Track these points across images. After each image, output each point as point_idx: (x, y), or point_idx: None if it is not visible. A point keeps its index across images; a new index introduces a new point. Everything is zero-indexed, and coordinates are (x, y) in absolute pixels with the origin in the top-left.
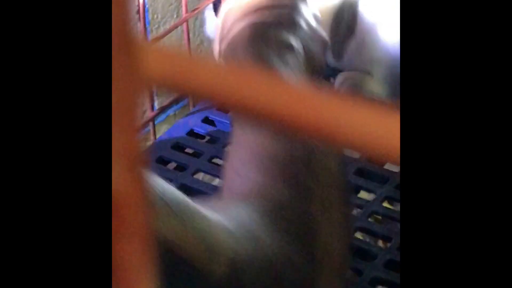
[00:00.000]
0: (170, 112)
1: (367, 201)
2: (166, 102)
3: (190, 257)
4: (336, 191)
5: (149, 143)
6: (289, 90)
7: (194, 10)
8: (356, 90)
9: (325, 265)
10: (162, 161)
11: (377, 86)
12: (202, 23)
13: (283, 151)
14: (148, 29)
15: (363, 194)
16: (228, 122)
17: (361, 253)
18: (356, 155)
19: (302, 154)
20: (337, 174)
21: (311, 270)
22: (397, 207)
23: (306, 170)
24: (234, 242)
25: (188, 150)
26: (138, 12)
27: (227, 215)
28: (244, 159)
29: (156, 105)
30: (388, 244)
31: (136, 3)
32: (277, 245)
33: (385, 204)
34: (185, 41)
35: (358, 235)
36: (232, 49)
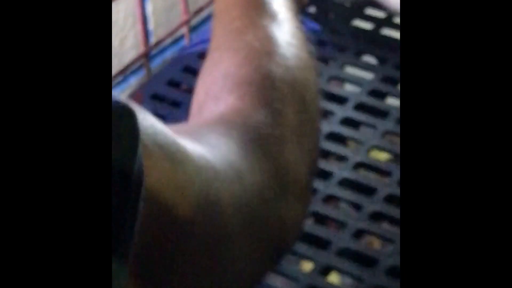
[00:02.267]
0: (167, 54)
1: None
2: (162, 37)
3: (177, 205)
4: (309, 118)
5: (144, 79)
6: None
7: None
8: None
9: (293, 198)
10: (157, 98)
11: None
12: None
13: (258, 73)
14: (152, 33)
15: (363, 129)
16: None
17: (361, 188)
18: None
19: (278, 77)
20: (314, 98)
21: (280, 205)
22: (397, 141)
23: (280, 95)
24: (221, 184)
25: (183, 86)
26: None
27: (210, 147)
28: (218, 81)
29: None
30: (388, 179)
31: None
32: (255, 181)
33: (386, 139)
34: (186, 42)
35: (361, 170)
36: None
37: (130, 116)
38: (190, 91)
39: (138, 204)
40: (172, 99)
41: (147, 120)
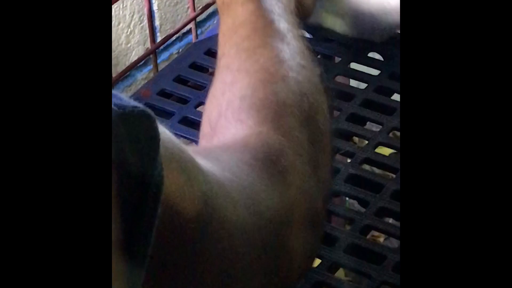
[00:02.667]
0: (173, 50)
1: (374, 132)
2: (168, 31)
3: (187, 216)
4: (324, 146)
5: (148, 75)
6: None
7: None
8: None
9: (306, 230)
10: (164, 94)
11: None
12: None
13: (275, 99)
14: (158, 28)
15: (369, 126)
16: None
17: (368, 184)
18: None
19: (295, 104)
20: (326, 124)
21: (293, 237)
22: None
23: (298, 122)
24: (229, 200)
25: (190, 83)
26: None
27: (222, 168)
28: (233, 101)
29: (159, 39)
30: (394, 176)
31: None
32: (269, 211)
33: (392, 135)
34: (193, 38)
35: (366, 166)
36: None
37: (149, 121)
38: (197, 87)
39: (157, 210)
40: (179, 95)
41: (167, 134)
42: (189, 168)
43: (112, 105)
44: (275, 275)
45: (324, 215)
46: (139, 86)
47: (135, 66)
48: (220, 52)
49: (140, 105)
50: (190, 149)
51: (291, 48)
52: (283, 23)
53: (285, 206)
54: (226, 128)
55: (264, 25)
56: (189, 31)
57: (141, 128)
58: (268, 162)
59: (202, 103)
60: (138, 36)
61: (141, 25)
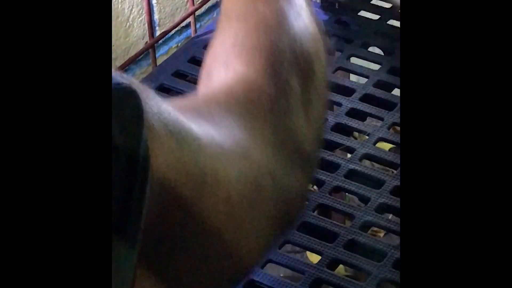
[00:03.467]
0: (172, 44)
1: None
2: (167, 28)
3: (184, 188)
4: (316, 88)
5: (147, 70)
6: None
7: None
8: None
9: (298, 168)
10: (163, 89)
11: None
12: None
13: (267, 41)
14: (157, 22)
15: (369, 121)
16: None
17: (368, 180)
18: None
19: (286, 46)
20: (319, 71)
21: (286, 178)
22: None
23: (287, 64)
24: (227, 161)
25: (189, 78)
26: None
27: (216, 124)
28: (228, 47)
29: (158, 33)
30: (394, 171)
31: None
32: (261, 157)
33: (392, 130)
34: (192, 32)
35: (366, 162)
36: None
37: (133, 98)
38: (196, 82)
39: (145, 188)
40: (178, 90)
41: (151, 98)
42: (182, 136)
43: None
44: (276, 219)
45: (314, 155)
46: (138, 81)
47: (134, 60)
48: (222, 5)
49: (125, 82)
50: (180, 105)
51: (291, 0)
52: None
53: (269, 147)
54: (217, 72)
55: None
56: (188, 25)
57: (125, 104)
58: (250, 104)
59: None
60: (137, 30)
61: (140, 19)
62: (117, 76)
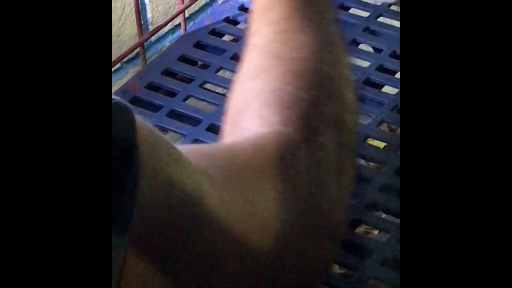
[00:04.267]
0: (165, 43)
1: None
2: (159, 23)
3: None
4: (351, 151)
5: (140, 69)
6: None
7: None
8: None
9: (328, 241)
10: (152, 87)
11: None
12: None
13: (305, 95)
14: (149, 21)
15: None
16: (219, 48)
17: (357, 177)
18: None
19: (324, 98)
20: (354, 126)
21: (314, 253)
22: (394, 131)
23: (325, 125)
24: (238, 236)
25: (179, 76)
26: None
27: (224, 163)
28: (263, 95)
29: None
30: (383, 169)
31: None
32: (284, 229)
33: (381, 128)
34: (182, 31)
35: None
36: None
37: (127, 114)
38: (185, 80)
39: (137, 182)
40: (168, 88)
41: (149, 132)
42: (171, 166)
43: None
44: None
45: (343, 225)
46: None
47: (125, 58)
48: (253, 28)
49: (116, 98)
50: (202, 153)
51: (326, 36)
52: (320, 4)
53: (293, 216)
54: (250, 120)
55: (302, 4)
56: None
57: (118, 121)
58: (281, 165)
59: (190, 96)
60: (129, 29)
61: (133, 17)
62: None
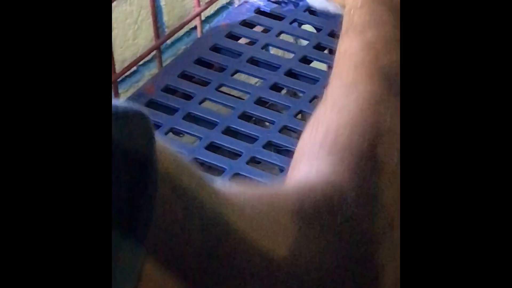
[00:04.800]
0: (181, 46)
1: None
2: (174, 27)
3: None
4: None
5: (155, 72)
6: None
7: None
8: None
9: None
10: (169, 90)
11: None
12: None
13: (363, 144)
14: (165, 25)
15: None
16: (235, 51)
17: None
18: None
19: (382, 155)
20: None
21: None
22: None
23: (382, 176)
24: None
25: (195, 79)
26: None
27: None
28: (318, 140)
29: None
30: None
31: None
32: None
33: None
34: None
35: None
36: None
37: (144, 121)
38: (202, 83)
39: (156, 190)
40: (184, 91)
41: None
42: (191, 194)
43: None
44: None
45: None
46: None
47: (140, 61)
48: (344, 43)
49: (133, 105)
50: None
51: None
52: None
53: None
54: (302, 166)
55: (393, 31)
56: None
57: (134, 128)
58: (326, 215)
59: (206, 99)
60: (145, 32)
61: (149, 20)
62: (124, 103)
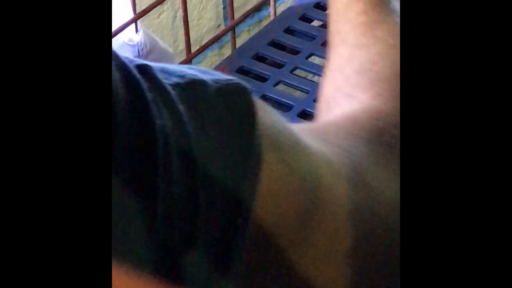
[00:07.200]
0: (244, 27)
1: None
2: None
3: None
4: None
5: (223, 52)
6: None
7: None
8: None
9: None
10: (243, 71)
11: None
12: None
13: (392, 70)
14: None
15: None
16: (309, 33)
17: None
18: None
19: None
20: None
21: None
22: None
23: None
24: (342, 190)
25: (269, 61)
26: None
27: (337, 148)
28: (350, 77)
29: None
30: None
31: None
32: (388, 192)
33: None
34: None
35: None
36: None
37: (245, 95)
38: (275, 65)
39: (248, 228)
40: (258, 72)
41: (268, 117)
42: (299, 163)
43: (207, 80)
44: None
45: None
46: (210, 62)
47: (212, 43)
48: (333, 29)
49: (234, 78)
50: (301, 127)
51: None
52: (396, 3)
53: (396, 182)
54: (339, 104)
55: (380, 2)
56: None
57: (236, 102)
58: (376, 132)
59: (281, 81)
60: (210, 12)
61: (213, 1)
62: (223, 75)
